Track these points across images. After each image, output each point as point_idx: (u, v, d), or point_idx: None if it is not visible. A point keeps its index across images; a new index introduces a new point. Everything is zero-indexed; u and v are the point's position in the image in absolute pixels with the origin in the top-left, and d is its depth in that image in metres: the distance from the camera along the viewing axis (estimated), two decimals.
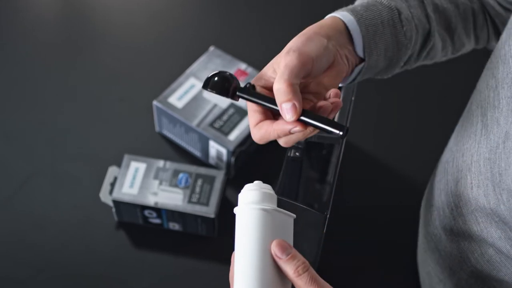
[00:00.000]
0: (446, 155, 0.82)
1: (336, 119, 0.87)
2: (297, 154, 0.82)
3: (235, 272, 0.64)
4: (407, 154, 1.10)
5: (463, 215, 0.76)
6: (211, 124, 1.03)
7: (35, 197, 1.04)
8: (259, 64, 1.11)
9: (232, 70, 1.09)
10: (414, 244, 0.96)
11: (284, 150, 0.78)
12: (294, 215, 0.68)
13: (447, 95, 1.17)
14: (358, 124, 1.00)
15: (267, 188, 0.67)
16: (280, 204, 0.79)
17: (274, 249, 0.62)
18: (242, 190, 0.67)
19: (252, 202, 0.65)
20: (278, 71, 0.64)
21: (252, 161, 1.08)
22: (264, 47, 1.22)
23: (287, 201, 0.80)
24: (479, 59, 0.80)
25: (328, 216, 0.80)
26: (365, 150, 1.10)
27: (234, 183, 1.05)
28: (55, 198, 1.04)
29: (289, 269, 0.62)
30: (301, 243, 0.73)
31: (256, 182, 0.67)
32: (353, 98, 0.89)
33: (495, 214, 0.70)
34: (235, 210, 0.65)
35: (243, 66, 1.10)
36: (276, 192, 0.79)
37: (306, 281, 0.61)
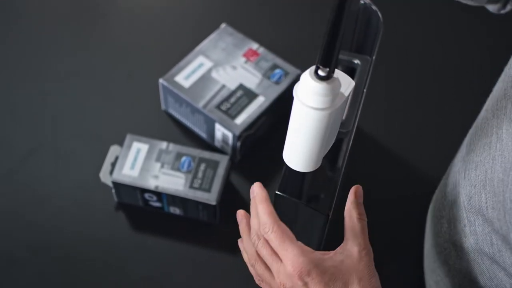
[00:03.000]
0: (458, 164, 0.78)
1: (346, 111, 0.84)
2: None
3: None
4: (420, 146, 1.06)
5: (476, 234, 0.72)
6: (218, 106, 1.00)
7: (36, 173, 1.01)
8: (271, 44, 1.08)
9: (243, 50, 1.05)
10: (421, 243, 0.92)
11: None
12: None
13: (464, 87, 1.13)
14: (369, 116, 0.96)
15: None
16: (282, 201, 0.77)
17: None
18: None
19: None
20: None
21: (259, 145, 1.04)
22: (277, 28, 1.18)
23: (289, 198, 0.77)
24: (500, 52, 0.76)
25: (330, 217, 0.77)
26: (376, 142, 1.07)
27: (240, 168, 1.02)
28: (55, 174, 1.01)
29: None
30: (302, 239, 0.72)
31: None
32: (364, 90, 0.86)
33: (508, 242, 0.66)
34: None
35: (254, 46, 1.06)
36: (279, 187, 0.77)
37: None
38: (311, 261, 0.69)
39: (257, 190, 0.75)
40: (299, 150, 0.70)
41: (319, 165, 0.72)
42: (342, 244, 0.73)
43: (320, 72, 0.62)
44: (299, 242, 0.71)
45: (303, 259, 0.69)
